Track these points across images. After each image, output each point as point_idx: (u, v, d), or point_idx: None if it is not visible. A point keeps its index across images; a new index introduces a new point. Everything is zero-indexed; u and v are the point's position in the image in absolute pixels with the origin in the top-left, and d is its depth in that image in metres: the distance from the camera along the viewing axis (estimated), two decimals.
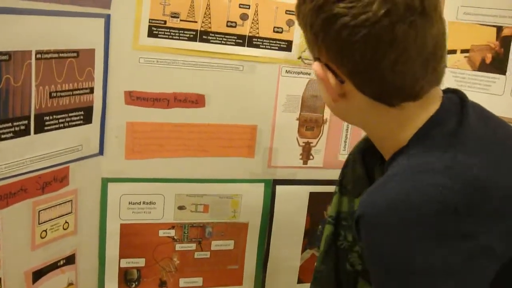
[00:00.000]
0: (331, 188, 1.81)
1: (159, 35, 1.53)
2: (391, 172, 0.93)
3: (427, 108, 0.96)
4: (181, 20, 1.54)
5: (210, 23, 1.57)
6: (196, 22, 1.55)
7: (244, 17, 1.60)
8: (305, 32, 0.98)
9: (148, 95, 1.56)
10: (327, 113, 1.75)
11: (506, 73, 1.69)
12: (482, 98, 1.73)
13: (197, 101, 1.61)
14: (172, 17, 1.53)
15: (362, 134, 1.76)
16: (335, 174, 1.80)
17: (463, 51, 1.76)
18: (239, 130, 1.68)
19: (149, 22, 1.51)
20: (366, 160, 1.24)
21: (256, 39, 1.62)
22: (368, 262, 0.95)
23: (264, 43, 1.63)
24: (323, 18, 0.90)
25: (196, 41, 1.57)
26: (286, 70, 1.67)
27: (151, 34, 1.52)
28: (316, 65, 0.96)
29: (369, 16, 0.85)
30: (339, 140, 1.80)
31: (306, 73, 1.70)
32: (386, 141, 1.02)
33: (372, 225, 0.88)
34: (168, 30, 1.54)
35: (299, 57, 1.15)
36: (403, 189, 0.87)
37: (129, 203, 1.64)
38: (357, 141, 1.79)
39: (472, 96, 1.76)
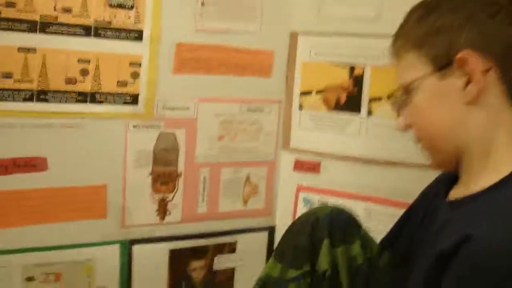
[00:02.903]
0: (192, 243, 1.77)
1: None
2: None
3: None
4: (14, 81, 1.44)
5: (47, 80, 1.48)
6: (32, 81, 1.46)
7: (84, 72, 1.52)
8: (436, 38, 0.95)
9: None
10: (181, 166, 1.70)
11: (360, 113, 1.70)
12: (340, 139, 1.74)
13: (38, 164, 1.51)
14: (4, 77, 1.43)
15: (222, 186, 1.75)
16: (195, 228, 1.76)
17: (318, 92, 1.76)
18: (87, 191, 1.58)
19: None
20: None
21: (99, 95, 1.55)
22: None
23: (108, 99, 1.56)
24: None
25: (33, 101, 1.47)
26: (133, 125, 1.61)
27: None
28: (468, 53, 0.91)
29: None
30: (196, 193, 1.74)
31: (156, 126, 1.64)
32: (491, 161, 0.95)
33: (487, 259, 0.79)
34: (1, 91, 1.43)
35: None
36: None
37: None
38: (215, 193, 1.76)
39: (330, 137, 1.76)
